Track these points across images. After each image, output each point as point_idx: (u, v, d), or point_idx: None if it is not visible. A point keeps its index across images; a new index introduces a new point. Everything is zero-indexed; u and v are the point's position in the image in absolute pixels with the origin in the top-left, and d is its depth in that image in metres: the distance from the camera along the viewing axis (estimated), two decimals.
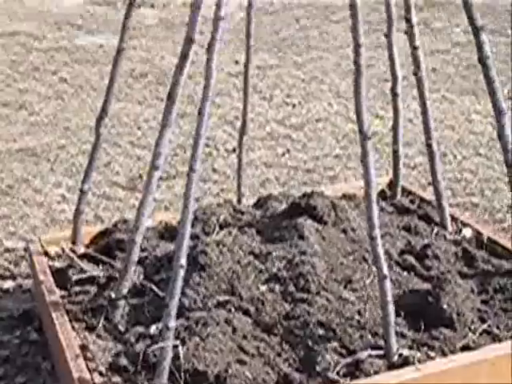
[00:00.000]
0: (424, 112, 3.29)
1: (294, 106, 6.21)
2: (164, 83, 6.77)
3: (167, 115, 2.58)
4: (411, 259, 3.01)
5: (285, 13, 9.39)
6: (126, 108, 6.26)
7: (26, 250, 3.71)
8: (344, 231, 3.08)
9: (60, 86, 6.93)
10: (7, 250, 4.06)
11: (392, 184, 3.70)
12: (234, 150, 4.81)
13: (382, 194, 3.66)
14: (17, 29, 9.19)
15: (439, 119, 5.62)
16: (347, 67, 6.99)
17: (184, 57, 2.50)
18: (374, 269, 2.55)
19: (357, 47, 2.40)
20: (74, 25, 9.32)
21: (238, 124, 3.83)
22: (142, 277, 2.93)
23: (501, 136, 2.77)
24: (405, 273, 2.94)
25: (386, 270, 2.36)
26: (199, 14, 2.42)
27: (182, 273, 2.29)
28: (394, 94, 3.44)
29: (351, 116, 5.80)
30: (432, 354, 2.42)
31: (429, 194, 3.62)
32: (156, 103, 6.34)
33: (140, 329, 2.64)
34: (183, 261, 2.29)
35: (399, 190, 3.67)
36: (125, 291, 2.76)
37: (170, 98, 2.57)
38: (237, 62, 6.99)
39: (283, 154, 5.29)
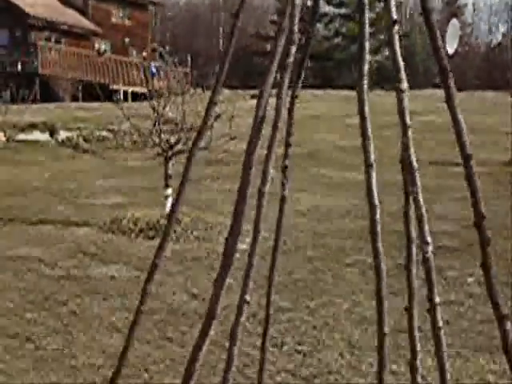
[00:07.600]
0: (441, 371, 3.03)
1: (305, 354, 6.06)
2: (174, 323, 6.68)
3: None
4: None
5: (298, 253, 9.45)
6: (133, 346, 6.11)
7: None
8: None
9: (69, 319, 6.83)
10: None
11: None
12: None
13: None
14: (29, 253, 9.26)
15: (454, 378, 5.45)
16: (359, 315, 6.92)
17: None
18: None
19: None
20: (87, 253, 9.38)
21: None
22: None
23: None
24: None
25: None
26: None
27: None
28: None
29: (363, 369, 5.67)
30: None
31: None
32: (165, 344, 6.21)
33: None
34: None
35: None
36: None
37: None
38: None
39: None
